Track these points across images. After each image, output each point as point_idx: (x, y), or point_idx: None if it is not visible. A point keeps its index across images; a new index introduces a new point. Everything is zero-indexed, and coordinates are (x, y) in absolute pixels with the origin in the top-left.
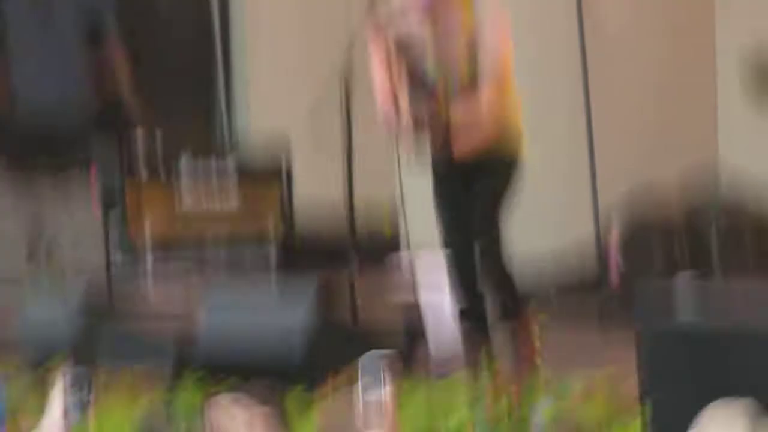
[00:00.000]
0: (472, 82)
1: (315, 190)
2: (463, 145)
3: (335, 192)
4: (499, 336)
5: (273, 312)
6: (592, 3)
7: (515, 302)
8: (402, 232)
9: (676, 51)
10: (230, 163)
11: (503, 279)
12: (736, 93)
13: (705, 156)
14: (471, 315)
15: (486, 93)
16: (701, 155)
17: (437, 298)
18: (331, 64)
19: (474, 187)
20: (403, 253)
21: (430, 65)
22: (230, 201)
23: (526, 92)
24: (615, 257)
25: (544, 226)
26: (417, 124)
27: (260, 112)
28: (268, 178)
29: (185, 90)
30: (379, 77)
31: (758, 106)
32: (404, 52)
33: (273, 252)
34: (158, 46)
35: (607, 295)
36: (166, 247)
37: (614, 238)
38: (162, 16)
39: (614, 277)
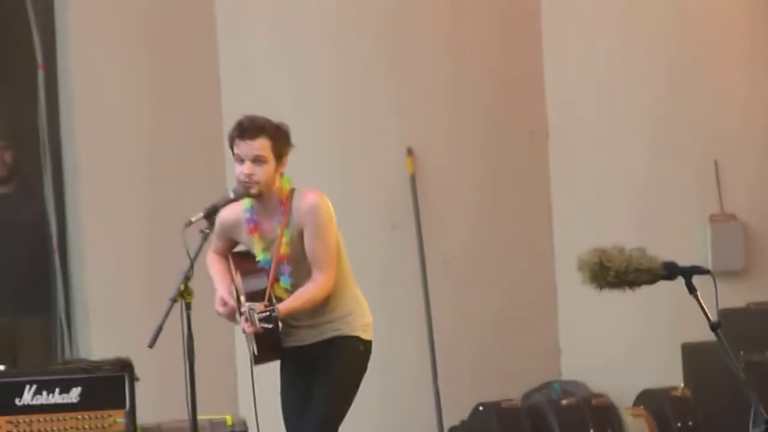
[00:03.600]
0: (296, 255)
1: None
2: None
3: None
4: None
5: None
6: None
7: None
8: None
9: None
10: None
11: None
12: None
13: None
14: None
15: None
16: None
17: None
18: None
19: (317, 371)
20: None
21: (257, 250)
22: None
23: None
24: None
25: None
26: (256, 299)
27: (101, 336)
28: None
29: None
30: (215, 270)
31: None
32: (232, 238)
33: None
34: None
35: None
36: None
37: None
38: None
39: None
